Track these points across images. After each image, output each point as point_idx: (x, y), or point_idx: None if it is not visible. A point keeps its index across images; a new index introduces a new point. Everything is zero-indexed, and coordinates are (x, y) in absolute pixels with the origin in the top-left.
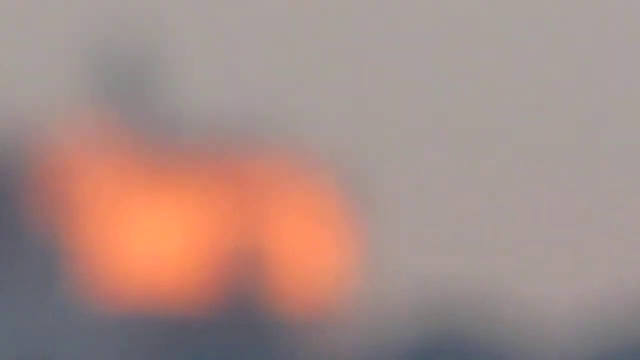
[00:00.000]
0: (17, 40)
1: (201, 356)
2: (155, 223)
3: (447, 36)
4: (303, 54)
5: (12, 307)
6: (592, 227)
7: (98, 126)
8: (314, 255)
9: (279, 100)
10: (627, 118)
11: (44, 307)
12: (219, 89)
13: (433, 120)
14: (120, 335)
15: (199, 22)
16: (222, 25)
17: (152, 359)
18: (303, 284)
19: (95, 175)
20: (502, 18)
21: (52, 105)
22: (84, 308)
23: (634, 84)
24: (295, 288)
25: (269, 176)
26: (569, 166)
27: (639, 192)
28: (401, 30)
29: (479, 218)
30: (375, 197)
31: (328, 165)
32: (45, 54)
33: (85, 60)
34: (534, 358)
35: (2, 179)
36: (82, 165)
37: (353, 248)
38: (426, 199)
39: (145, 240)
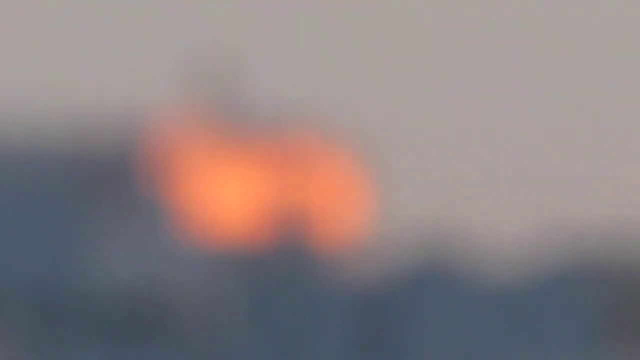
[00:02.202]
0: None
1: (262, 280)
2: (232, 184)
3: None
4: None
5: (135, 242)
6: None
7: (195, 115)
8: (341, 206)
9: (313, 95)
10: None
11: (157, 243)
12: (275, 88)
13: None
14: (206, 263)
15: (259, 41)
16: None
17: (228, 280)
18: (334, 227)
19: (192, 150)
20: None
21: (162, 98)
22: (182, 244)
23: None
24: (329, 229)
25: (309, 150)
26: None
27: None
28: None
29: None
30: (383, 164)
31: (350, 141)
32: (161, 62)
33: (187, 66)
34: (493, 278)
35: (126, 153)
36: (183, 143)
37: (369, 200)
38: (418, 166)
39: (226, 195)
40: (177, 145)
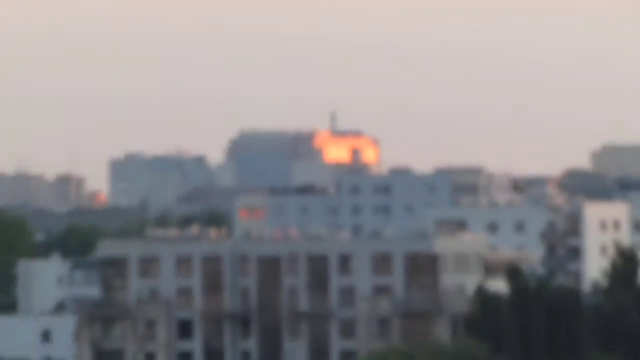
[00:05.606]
0: None
1: None
2: (335, 152)
3: None
4: None
5: None
6: None
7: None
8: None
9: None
10: None
11: None
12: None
13: None
14: None
15: None
16: None
17: None
18: (357, 163)
19: (319, 139)
20: None
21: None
22: None
23: None
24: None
25: (363, 139)
26: None
27: None
28: None
29: None
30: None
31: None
32: None
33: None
34: None
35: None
36: (320, 137)
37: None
38: None
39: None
40: (313, 137)
